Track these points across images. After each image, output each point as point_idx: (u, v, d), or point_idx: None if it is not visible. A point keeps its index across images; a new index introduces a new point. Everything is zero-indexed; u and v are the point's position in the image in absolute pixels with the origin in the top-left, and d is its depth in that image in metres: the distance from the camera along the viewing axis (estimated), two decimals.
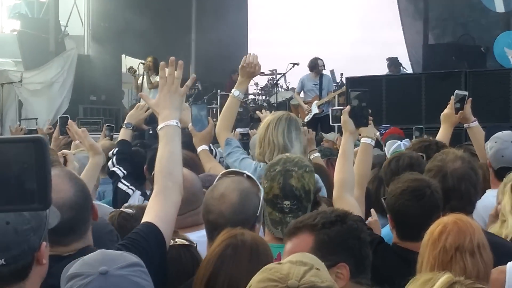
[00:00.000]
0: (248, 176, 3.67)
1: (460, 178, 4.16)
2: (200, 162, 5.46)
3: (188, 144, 6.32)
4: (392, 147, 7.57)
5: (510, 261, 3.62)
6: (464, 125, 6.23)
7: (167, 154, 3.42)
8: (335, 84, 17.42)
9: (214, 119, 6.50)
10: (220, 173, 3.76)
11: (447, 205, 3.96)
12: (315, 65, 16.24)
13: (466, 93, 6.19)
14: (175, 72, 3.60)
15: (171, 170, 3.38)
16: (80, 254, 3.06)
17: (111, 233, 4.00)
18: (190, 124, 5.59)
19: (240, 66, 5.65)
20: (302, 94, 16.52)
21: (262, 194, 3.62)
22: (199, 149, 5.50)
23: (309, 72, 16.37)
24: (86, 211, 3.15)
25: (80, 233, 3.12)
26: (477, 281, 2.57)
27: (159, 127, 3.50)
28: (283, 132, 5.18)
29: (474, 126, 6.13)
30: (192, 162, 5.45)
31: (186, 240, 3.63)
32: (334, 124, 5.30)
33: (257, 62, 5.66)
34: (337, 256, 2.88)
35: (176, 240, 3.58)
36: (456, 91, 6.20)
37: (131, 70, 16.29)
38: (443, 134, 6.10)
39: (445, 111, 6.15)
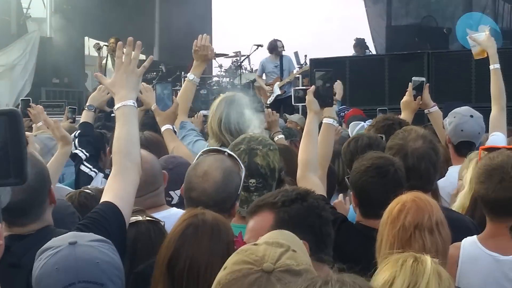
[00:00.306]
0: (229, 155, 3.70)
1: (420, 158, 4.19)
2: (165, 143, 5.45)
3: (151, 125, 6.31)
4: (355, 128, 7.61)
5: (467, 236, 3.68)
6: (425, 110, 6.28)
7: (125, 134, 3.41)
8: (298, 66, 17.42)
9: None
10: (201, 151, 3.77)
11: (407, 184, 4.00)
12: (275, 47, 16.25)
13: (423, 79, 6.26)
14: (133, 52, 3.58)
15: (129, 150, 3.38)
16: (40, 233, 3.10)
17: (73, 215, 4.01)
18: (154, 105, 5.58)
19: (193, 50, 5.68)
20: (264, 77, 16.52)
21: (243, 173, 3.64)
22: (163, 128, 5.49)
23: (269, 54, 16.38)
24: (41, 194, 3.16)
25: (36, 215, 3.13)
26: (436, 257, 2.61)
27: (115, 106, 3.49)
28: (220, 116, 5.27)
29: (434, 111, 6.19)
30: (156, 143, 5.45)
31: (153, 217, 3.65)
32: (297, 104, 5.32)
33: (209, 44, 5.70)
34: (296, 234, 2.89)
35: (145, 216, 3.60)
36: (413, 78, 6.26)
37: (96, 46, 16.21)
38: None
39: (404, 98, 6.20)
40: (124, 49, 3.58)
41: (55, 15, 20.54)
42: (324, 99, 4.64)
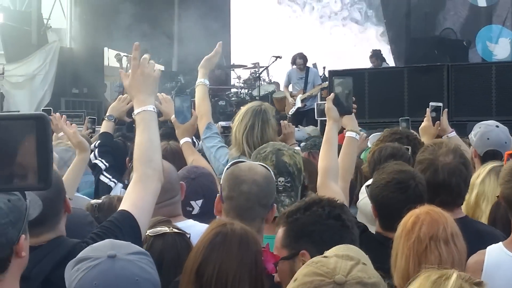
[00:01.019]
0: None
1: (451, 173, 4.14)
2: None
3: (169, 135, 6.32)
4: (375, 139, 7.59)
5: None
6: (443, 136, 6.25)
7: (146, 140, 3.37)
8: (321, 77, 17.38)
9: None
10: (230, 163, 3.73)
11: (437, 199, 3.97)
12: (294, 61, 16.27)
13: (441, 104, 6.21)
14: (146, 55, 3.56)
15: (151, 157, 3.35)
16: (52, 244, 3.09)
17: (91, 224, 4.00)
18: (173, 116, 5.60)
19: (209, 57, 5.72)
20: (290, 88, 16.52)
21: (273, 175, 3.67)
22: (181, 141, 5.50)
23: (295, 66, 16.42)
24: (57, 205, 3.14)
25: (50, 225, 3.11)
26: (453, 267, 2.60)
27: (136, 111, 3.45)
28: (246, 127, 5.36)
29: (453, 137, 6.17)
30: (181, 154, 5.45)
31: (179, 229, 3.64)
32: (320, 119, 5.31)
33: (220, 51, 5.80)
34: (299, 244, 2.95)
35: (172, 228, 3.60)
36: (430, 103, 6.22)
37: (117, 56, 16.29)
38: None
39: (423, 123, 6.14)
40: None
41: (75, 26, 20.67)
42: (343, 106, 4.61)
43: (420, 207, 3.30)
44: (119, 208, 3.26)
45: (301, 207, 3.04)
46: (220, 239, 2.96)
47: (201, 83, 5.71)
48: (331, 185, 4.28)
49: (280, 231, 3.05)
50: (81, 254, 2.54)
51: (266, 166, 3.66)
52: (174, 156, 5.26)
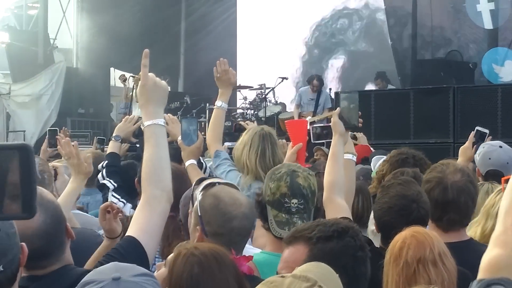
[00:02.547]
0: (227, 183, 3.66)
1: (460, 191, 4.14)
2: (188, 177, 5.45)
3: (174, 157, 6.32)
4: (378, 162, 7.58)
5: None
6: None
7: (156, 158, 3.28)
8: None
9: (203, 133, 6.53)
10: (201, 188, 3.58)
11: (445, 217, 3.99)
12: (310, 81, 16.33)
13: (487, 131, 6.24)
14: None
15: (160, 177, 3.25)
16: (58, 273, 3.02)
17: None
18: (179, 138, 5.60)
19: (215, 77, 5.69)
20: (301, 108, 16.55)
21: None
22: (187, 163, 5.48)
23: (308, 85, 16.47)
24: (58, 237, 3.07)
25: (56, 257, 3.06)
26: None
27: (145, 123, 3.32)
28: (257, 152, 5.35)
29: None
30: (180, 175, 5.44)
31: None
32: (315, 142, 5.29)
33: (229, 68, 5.70)
34: None
35: None
36: (476, 128, 6.29)
37: (122, 77, 16.33)
38: None
39: (465, 144, 6.26)
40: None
41: (82, 46, 20.76)
42: (349, 120, 4.61)
43: (407, 229, 3.30)
44: (127, 233, 3.20)
45: (330, 235, 2.92)
46: (198, 270, 2.85)
47: (219, 107, 5.67)
48: (337, 200, 4.27)
49: (302, 253, 2.92)
50: (85, 278, 2.51)
51: (234, 185, 3.63)
52: (179, 177, 5.26)
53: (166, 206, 3.24)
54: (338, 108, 4.65)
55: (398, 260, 3.18)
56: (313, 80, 16.39)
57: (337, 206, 4.14)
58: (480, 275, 1.09)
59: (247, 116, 19.02)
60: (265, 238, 3.94)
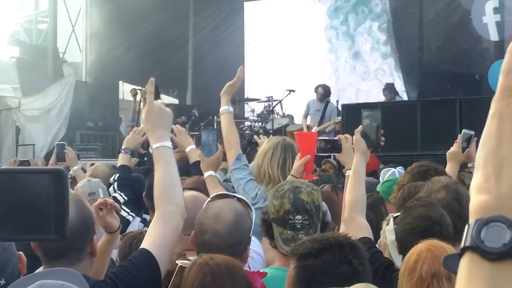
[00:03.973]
0: (239, 199, 3.69)
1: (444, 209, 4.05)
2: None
3: (183, 169, 6.36)
4: (386, 174, 7.59)
5: None
6: (468, 164, 6.23)
7: (166, 177, 3.37)
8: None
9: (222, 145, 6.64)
10: (210, 197, 3.75)
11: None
12: (315, 90, 16.43)
13: (472, 132, 6.19)
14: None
15: (172, 194, 3.34)
16: None
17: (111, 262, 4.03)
18: (189, 148, 5.66)
19: (230, 85, 5.71)
20: (309, 118, 16.61)
21: (253, 216, 3.62)
22: (205, 174, 5.47)
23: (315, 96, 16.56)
24: (81, 239, 3.10)
25: (72, 261, 3.06)
26: None
27: (154, 146, 3.44)
28: (279, 161, 5.33)
29: None
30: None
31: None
32: (319, 154, 5.32)
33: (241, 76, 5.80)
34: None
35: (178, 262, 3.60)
36: (463, 130, 6.20)
37: (133, 91, 16.39)
38: (450, 172, 5.98)
39: (452, 149, 6.11)
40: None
41: (91, 60, 20.86)
42: (371, 139, 4.63)
43: (423, 242, 3.29)
44: (140, 246, 3.26)
45: (312, 253, 2.96)
46: (210, 279, 2.92)
47: (226, 110, 5.65)
48: (358, 219, 4.27)
49: (292, 271, 3.00)
50: None
51: (247, 202, 3.65)
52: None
53: (179, 221, 3.31)
54: (360, 126, 4.66)
55: (412, 273, 3.16)
56: (317, 88, 16.48)
57: (358, 226, 4.14)
58: (472, 218, 1.13)
59: (255, 128, 19.06)
60: (273, 253, 3.95)
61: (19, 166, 8.63)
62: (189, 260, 3.57)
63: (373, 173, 8.33)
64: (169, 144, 3.45)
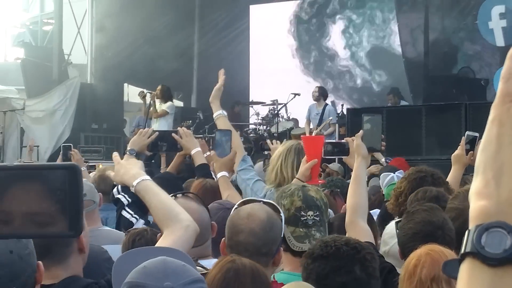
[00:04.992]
0: (265, 202, 3.70)
1: None
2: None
3: (188, 172, 6.35)
4: (386, 179, 7.58)
5: None
6: (475, 166, 6.20)
7: (160, 203, 3.34)
8: (339, 114, 17.42)
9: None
10: (237, 204, 3.75)
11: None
12: (312, 94, 16.49)
13: (477, 134, 6.17)
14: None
15: (173, 213, 3.30)
16: (63, 284, 3.01)
17: (108, 261, 3.98)
18: (195, 150, 5.66)
19: (218, 89, 5.79)
20: (311, 123, 16.66)
21: (283, 217, 3.63)
22: (218, 175, 5.46)
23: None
24: None
25: (59, 258, 3.04)
26: None
27: (132, 189, 3.45)
28: (293, 164, 5.34)
29: None
30: (215, 192, 5.45)
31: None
32: (326, 157, 5.32)
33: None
34: None
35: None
36: (467, 132, 6.19)
37: (141, 94, 16.43)
38: (454, 175, 6.05)
39: (456, 152, 6.11)
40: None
41: (96, 62, 20.89)
42: (372, 143, 4.65)
43: (423, 246, 3.29)
44: None
45: (325, 254, 3.05)
46: (232, 275, 2.94)
47: (220, 115, 5.75)
48: (360, 223, 4.28)
49: (304, 271, 3.09)
50: (134, 277, 2.45)
51: (275, 205, 3.66)
52: (215, 193, 5.29)
53: (192, 236, 3.26)
54: (361, 131, 4.67)
55: (412, 278, 3.16)
56: (314, 89, 16.55)
57: (360, 230, 4.14)
58: (473, 224, 1.12)
59: (259, 132, 19.07)
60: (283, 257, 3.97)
61: None
62: (202, 266, 3.57)
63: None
64: (145, 177, 3.45)
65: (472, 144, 6.09)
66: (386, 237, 4.67)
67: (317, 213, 3.84)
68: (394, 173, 7.41)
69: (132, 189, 3.46)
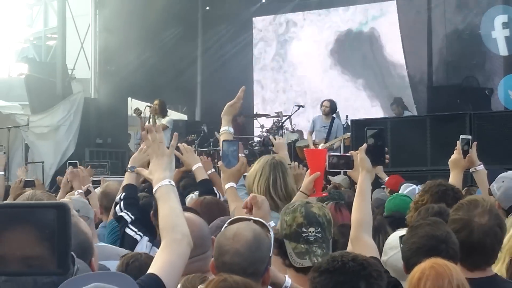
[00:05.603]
0: (255, 220, 3.67)
1: (486, 235, 4.00)
2: (226, 205, 5.45)
3: (190, 186, 6.33)
4: (406, 190, 7.55)
5: None
6: (470, 169, 6.22)
7: (167, 211, 3.48)
8: (344, 125, 17.38)
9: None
10: (227, 222, 3.74)
11: (469, 259, 3.93)
12: (321, 105, 16.40)
13: (470, 137, 6.22)
14: (157, 136, 3.71)
15: (175, 223, 3.42)
16: None
17: None
18: (196, 162, 5.63)
19: (230, 105, 5.73)
20: (314, 135, 16.55)
21: (272, 236, 3.61)
22: (226, 186, 5.46)
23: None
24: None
25: None
26: None
27: (154, 190, 3.61)
28: (267, 181, 5.33)
29: (481, 170, 6.14)
30: (217, 205, 5.43)
31: None
32: (330, 170, 5.30)
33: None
34: None
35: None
36: (461, 136, 6.25)
37: (137, 111, 16.42)
38: (454, 180, 6.04)
39: (453, 156, 6.14)
40: (150, 136, 3.72)
41: (99, 76, 20.89)
42: (376, 157, 4.63)
43: (427, 260, 3.28)
44: (148, 271, 3.28)
45: (332, 268, 3.05)
46: None
47: (226, 131, 5.72)
48: (365, 238, 4.27)
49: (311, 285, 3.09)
50: None
51: (263, 223, 3.64)
52: (211, 208, 5.27)
53: (186, 249, 3.37)
54: (364, 145, 4.66)
55: None
56: (324, 102, 16.45)
57: (365, 245, 4.14)
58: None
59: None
60: (287, 274, 3.93)
61: (24, 187, 8.64)
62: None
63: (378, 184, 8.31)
64: (165, 182, 3.59)
65: (468, 146, 6.12)
66: (386, 247, 4.66)
67: (319, 229, 3.85)
68: (417, 186, 7.39)
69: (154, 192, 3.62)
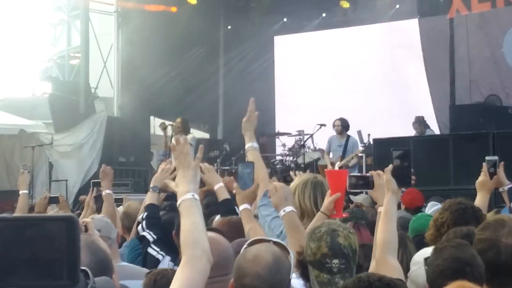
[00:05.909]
0: (275, 242, 3.65)
1: None
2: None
3: (212, 204, 6.33)
4: (432, 208, 7.54)
5: None
6: (499, 189, 6.20)
7: (189, 225, 3.43)
8: (362, 145, 17.35)
9: None
10: (246, 243, 3.72)
11: (497, 280, 3.88)
12: (333, 125, 16.38)
13: (496, 158, 6.19)
14: (185, 148, 3.67)
15: (196, 239, 3.37)
16: None
17: None
18: (213, 184, 5.63)
19: (246, 120, 5.73)
20: (331, 154, 16.54)
21: (292, 258, 3.58)
22: (240, 207, 5.45)
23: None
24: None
25: None
26: None
27: (177, 203, 3.55)
28: (310, 197, 5.27)
29: (509, 189, 6.12)
30: (241, 227, 5.43)
31: None
32: (351, 191, 5.29)
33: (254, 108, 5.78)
34: None
35: None
36: (486, 158, 6.20)
37: (162, 125, 16.51)
38: (480, 202, 5.99)
39: (480, 178, 6.09)
40: (177, 148, 3.68)
41: (122, 95, 21.01)
42: (402, 178, 4.61)
43: (453, 283, 3.25)
44: None
45: None
46: None
47: (250, 147, 5.71)
48: (390, 260, 4.25)
49: None
50: None
51: (284, 246, 3.61)
52: (237, 229, 5.27)
53: (206, 265, 3.32)
54: (390, 165, 4.64)
55: None
56: (335, 121, 16.44)
57: (390, 267, 4.10)
58: None
59: (286, 163, 19.04)
60: None
61: (49, 203, 8.72)
62: None
63: (417, 209, 8.28)
64: (188, 195, 3.52)
65: (494, 167, 6.09)
66: (411, 263, 4.63)
67: (343, 261, 3.81)
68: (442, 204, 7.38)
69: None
